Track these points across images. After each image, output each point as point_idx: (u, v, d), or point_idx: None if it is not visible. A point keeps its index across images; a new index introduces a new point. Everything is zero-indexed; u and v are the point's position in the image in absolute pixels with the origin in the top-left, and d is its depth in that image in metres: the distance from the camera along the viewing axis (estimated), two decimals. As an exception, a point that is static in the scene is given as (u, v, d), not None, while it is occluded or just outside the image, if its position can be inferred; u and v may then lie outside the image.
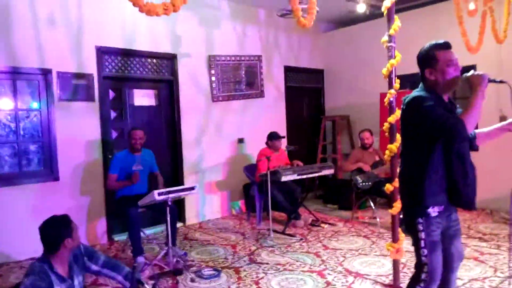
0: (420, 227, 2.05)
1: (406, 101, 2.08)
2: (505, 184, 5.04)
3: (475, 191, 2.05)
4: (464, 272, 3.34)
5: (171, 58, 5.34)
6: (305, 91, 7.36)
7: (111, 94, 4.98)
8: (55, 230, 2.18)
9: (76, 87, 4.53)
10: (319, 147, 7.10)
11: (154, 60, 5.24)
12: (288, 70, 6.87)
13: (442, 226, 2.10)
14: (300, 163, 5.27)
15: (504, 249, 3.90)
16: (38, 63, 4.28)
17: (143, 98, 5.28)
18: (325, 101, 7.57)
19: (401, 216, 3.96)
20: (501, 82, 2.00)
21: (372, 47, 5.68)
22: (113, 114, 4.98)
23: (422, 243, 2.06)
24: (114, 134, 4.99)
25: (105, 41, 4.74)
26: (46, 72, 4.32)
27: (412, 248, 2.16)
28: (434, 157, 2.00)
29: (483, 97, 1.91)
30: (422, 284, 2.08)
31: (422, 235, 2.05)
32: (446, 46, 2.04)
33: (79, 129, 4.54)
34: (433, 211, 2.03)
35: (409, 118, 2.10)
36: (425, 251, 2.06)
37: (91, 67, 4.65)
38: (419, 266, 2.11)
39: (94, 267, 2.41)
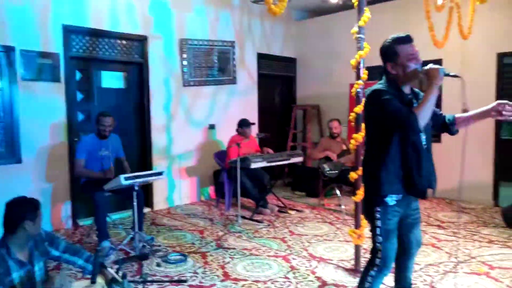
0: (377, 215, 2.15)
1: (367, 93, 2.15)
2: (464, 175, 5.32)
3: (429, 181, 2.15)
4: (422, 258, 3.50)
5: (142, 40, 5.22)
6: (277, 79, 7.39)
7: (78, 75, 4.83)
8: (20, 208, 2.14)
9: (41, 66, 4.36)
10: (289, 135, 7.18)
11: (124, 42, 5.11)
12: (261, 57, 6.86)
13: (400, 215, 2.20)
14: (271, 151, 5.32)
15: (460, 236, 4.11)
16: (0, 40, 4.09)
17: (111, 80, 5.16)
18: (296, 90, 7.63)
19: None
20: (455, 76, 2.07)
21: (343, 38, 5.75)
22: (79, 96, 4.85)
23: (378, 231, 2.16)
24: (81, 117, 4.86)
25: (73, 19, 4.57)
26: (8, 50, 4.13)
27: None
28: (392, 148, 2.08)
29: (436, 91, 1.98)
30: (375, 269, 2.19)
31: (379, 223, 2.15)
32: (407, 40, 2.08)
33: (43, 110, 4.39)
34: (391, 200, 2.12)
35: (368, 110, 2.19)
36: (380, 238, 2.16)
37: (57, 46, 4.48)
38: (374, 251, 2.22)
39: (55, 253, 2.37)
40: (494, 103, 2.10)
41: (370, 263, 2.24)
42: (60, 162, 4.55)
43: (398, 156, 2.09)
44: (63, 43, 4.51)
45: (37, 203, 2.24)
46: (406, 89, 2.17)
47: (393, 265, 2.40)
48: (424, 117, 1.95)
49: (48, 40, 4.41)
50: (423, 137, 2.13)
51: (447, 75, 2.01)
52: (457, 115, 2.26)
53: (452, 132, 2.29)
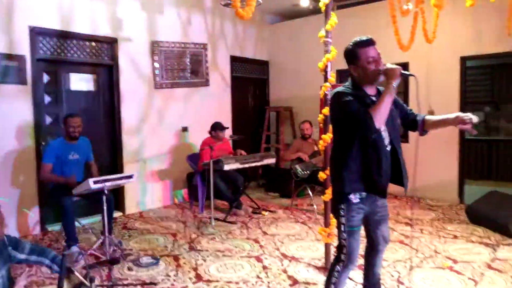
0: (342, 213, 2.22)
1: (331, 95, 2.23)
2: (432, 174, 5.51)
3: (389, 180, 2.23)
4: (390, 254, 3.61)
5: (111, 42, 5.15)
6: (250, 81, 7.44)
7: (46, 77, 4.72)
8: None
9: (6, 68, 4.24)
10: (263, 137, 7.23)
11: (93, 43, 5.03)
12: (234, 60, 6.89)
13: (364, 212, 2.27)
14: (244, 153, 5.35)
15: (426, 233, 4.25)
16: (-38, 41, 3.96)
17: (80, 82, 5.06)
18: (270, 92, 7.71)
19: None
20: (410, 75, 2.14)
21: (314, 42, 5.79)
22: (47, 99, 4.73)
23: (342, 227, 2.23)
24: (48, 120, 4.75)
25: (40, 21, 4.47)
26: (-30, 51, 4.01)
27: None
28: (353, 147, 2.15)
29: (393, 91, 2.03)
30: (341, 264, 2.27)
31: (343, 219, 2.22)
32: (368, 43, 2.15)
33: (9, 114, 4.26)
34: (354, 198, 2.19)
35: (332, 111, 2.27)
36: (345, 235, 2.23)
37: (23, 48, 4.37)
38: (339, 248, 2.29)
39: (21, 256, 2.30)
40: (454, 115, 2.13)
41: (336, 259, 2.31)
42: (27, 167, 4.43)
43: (359, 156, 2.16)
44: (30, 45, 4.40)
45: None
46: (371, 90, 2.23)
47: (360, 261, 2.47)
48: (379, 117, 2.01)
49: (14, 42, 4.30)
50: (386, 136, 2.21)
51: (403, 74, 2.07)
52: (427, 117, 2.32)
53: (421, 133, 2.35)
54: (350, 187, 2.18)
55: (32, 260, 2.31)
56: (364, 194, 2.21)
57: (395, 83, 2.04)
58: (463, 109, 5.50)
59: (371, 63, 2.12)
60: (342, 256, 2.26)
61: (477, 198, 4.68)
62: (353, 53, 2.16)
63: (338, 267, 2.28)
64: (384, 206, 2.39)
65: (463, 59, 5.43)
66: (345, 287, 2.56)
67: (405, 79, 5.86)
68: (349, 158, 2.16)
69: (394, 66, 2.06)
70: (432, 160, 5.41)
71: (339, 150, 2.24)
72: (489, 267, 3.31)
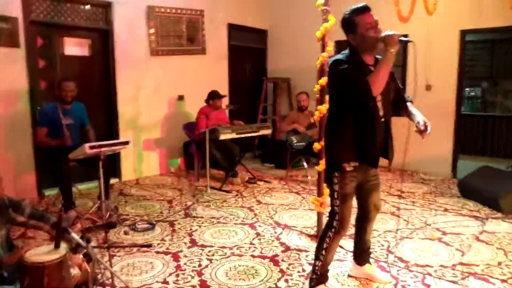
0: (335, 180, 2.26)
1: (328, 63, 2.21)
2: (426, 148, 5.54)
3: (384, 151, 2.26)
4: (381, 225, 3.69)
5: (106, 6, 5.03)
6: (248, 51, 7.33)
7: (39, 41, 4.64)
8: None
9: (-2, 31, 4.16)
10: (260, 108, 7.21)
11: (88, 7, 4.91)
12: (232, 28, 6.77)
13: (357, 180, 2.31)
14: (241, 123, 5.35)
15: (418, 205, 4.33)
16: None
17: (75, 47, 4.98)
18: (268, 63, 7.61)
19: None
20: (409, 41, 2.10)
21: (314, 11, 5.74)
22: (41, 63, 4.67)
23: (336, 194, 2.28)
24: (43, 85, 4.70)
25: (32, -19, 4.35)
26: (-39, 12, 3.92)
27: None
28: (348, 117, 2.17)
29: (392, 58, 2.00)
30: (333, 230, 2.32)
31: (336, 187, 2.26)
32: (364, 9, 2.12)
33: (1, 77, 4.21)
34: (348, 166, 2.22)
35: (329, 79, 2.26)
36: (338, 202, 2.28)
37: (15, 10, 4.26)
38: (332, 214, 2.34)
39: (20, 218, 2.34)
40: (418, 120, 2.22)
41: (328, 225, 2.36)
42: (23, 132, 4.42)
43: (354, 125, 2.17)
44: (22, 6, 4.29)
45: None
46: (369, 60, 2.22)
47: (351, 228, 2.54)
48: (377, 84, 1.99)
49: (6, 2, 4.19)
50: (380, 108, 2.21)
51: (402, 41, 2.04)
52: (408, 105, 2.38)
53: (398, 113, 2.41)
54: (345, 156, 2.20)
55: (30, 224, 2.35)
56: (357, 163, 2.23)
57: (393, 50, 2.01)
58: (461, 83, 5.49)
59: (369, 30, 2.10)
60: (334, 223, 2.31)
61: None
62: (350, 21, 2.14)
63: (329, 234, 2.34)
64: (376, 174, 2.43)
65: (463, 33, 5.37)
66: (335, 254, 2.63)
67: (403, 50, 5.80)
68: (344, 127, 2.19)
69: (393, 32, 2.02)
70: (427, 135, 5.42)
71: (334, 119, 2.26)
72: (477, 239, 3.40)
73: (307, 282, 2.52)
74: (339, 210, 2.29)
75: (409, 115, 2.34)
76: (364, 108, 2.12)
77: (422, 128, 2.16)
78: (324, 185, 3.16)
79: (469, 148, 7.13)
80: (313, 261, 2.49)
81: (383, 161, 2.34)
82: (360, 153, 2.20)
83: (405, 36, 5.55)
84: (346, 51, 2.23)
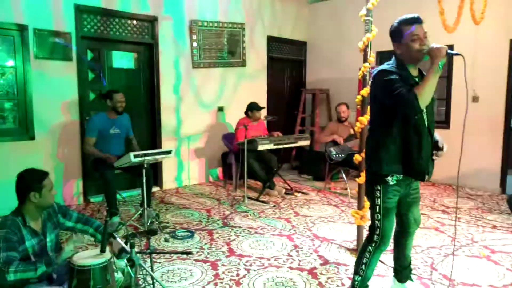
0: (378, 194, 2.21)
1: (373, 73, 2.19)
2: (473, 162, 5.31)
3: (428, 164, 2.19)
4: (424, 241, 3.56)
5: (152, 21, 5.25)
6: (287, 62, 7.37)
7: (90, 54, 4.90)
8: (25, 180, 2.19)
9: (54, 45, 4.44)
10: (298, 119, 7.19)
11: (135, 22, 5.14)
12: (271, 40, 6.84)
13: (400, 194, 2.25)
14: (279, 134, 5.36)
15: (464, 221, 4.14)
16: (14, 18, 4.16)
17: (122, 60, 5.22)
18: (306, 74, 7.62)
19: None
20: (456, 54, 2.07)
21: (354, 22, 5.68)
22: (91, 75, 4.92)
23: (377, 209, 2.23)
24: (92, 96, 4.95)
25: (84, -1, 4.63)
26: (22, 28, 4.21)
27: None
28: (394, 128, 2.13)
29: (439, 70, 1.98)
30: (373, 245, 2.27)
31: (378, 201, 2.21)
32: (413, 21, 2.10)
33: (56, 89, 4.48)
34: (391, 179, 2.17)
35: (373, 89, 2.22)
36: (379, 216, 2.23)
37: (69, 26, 4.55)
38: (373, 228, 2.29)
39: (69, 224, 2.47)
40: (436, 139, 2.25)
41: (369, 240, 2.31)
42: (72, 140, 4.66)
43: (400, 137, 2.13)
44: (75, 22, 4.57)
45: (42, 174, 2.24)
46: (414, 71, 2.19)
47: (391, 243, 2.47)
48: (424, 96, 1.96)
49: (61, 19, 4.48)
50: (425, 119, 2.16)
51: (449, 54, 2.01)
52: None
53: None
54: (388, 169, 2.16)
55: (78, 228, 2.47)
56: (400, 176, 2.19)
57: (440, 63, 1.98)
58: (510, 95, 5.23)
59: (415, 41, 2.07)
60: (375, 237, 2.26)
61: (521, 188, 4.49)
62: (397, 30, 2.13)
63: (370, 248, 2.29)
64: (417, 188, 2.38)
65: (514, 42, 5.13)
66: (375, 270, 2.57)
67: (449, 61, 5.62)
68: (388, 138, 2.14)
69: (440, 45, 2.00)
70: (474, 148, 5.20)
71: (378, 130, 2.22)
72: (530, 259, 3.20)
73: None
74: (381, 225, 2.24)
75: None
76: (410, 119, 2.08)
77: (440, 146, 2.22)
78: (365, 198, 3.10)
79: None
80: (352, 276, 2.44)
81: (436, 176, 2.30)
82: (406, 166, 2.15)
83: (451, 47, 5.43)
84: (391, 61, 2.21)
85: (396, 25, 2.15)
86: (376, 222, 2.25)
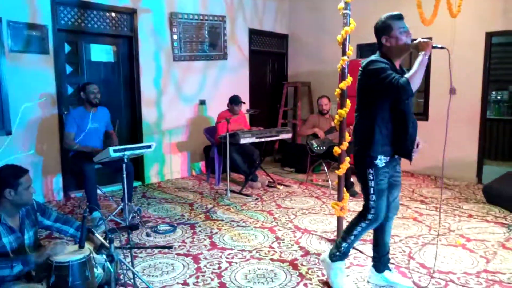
0: (371, 177, 2.39)
1: (363, 64, 2.36)
2: (450, 153, 5.41)
3: (413, 144, 2.38)
4: (402, 231, 3.64)
5: (131, 13, 5.17)
6: (269, 55, 7.37)
7: (67, 47, 4.80)
8: (0, 177, 2.15)
9: (29, 38, 4.33)
10: (280, 112, 7.22)
11: (113, 14, 5.05)
12: (253, 33, 6.83)
13: (389, 175, 2.44)
14: (261, 129, 5.37)
15: (442, 211, 4.24)
16: (-14, 10, 4.04)
17: (100, 53, 5.13)
18: (288, 67, 7.63)
19: (348, 179, 4.30)
20: (442, 48, 2.28)
21: (334, 15, 5.70)
22: (69, 69, 4.83)
23: (371, 190, 2.40)
24: (70, 90, 4.86)
25: (60, -9, 4.52)
26: (-5, 21, 4.10)
27: (354, 208, 2.42)
28: (385, 113, 2.32)
29: (426, 60, 2.20)
30: (367, 222, 2.45)
31: (372, 183, 2.39)
32: (399, 16, 2.34)
33: (32, 83, 4.38)
34: (380, 162, 2.35)
35: (365, 78, 2.35)
36: (374, 197, 2.40)
37: (45, 18, 4.44)
38: (367, 208, 2.45)
39: (47, 222, 2.43)
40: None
41: (362, 216, 2.47)
42: (51, 135, 4.58)
43: (390, 121, 2.33)
44: (51, 14, 4.46)
45: (20, 171, 2.19)
46: (396, 65, 2.39)
47: (371, 232, 2.54)
48: (415, 82, 2.14)
49: (36, 11, 4.36)
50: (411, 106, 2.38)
51: (436, 47, 2.24)
52: None
53: None
54: (379, 150, 2.33)
55: (56, 227, 2.44)
56: (388, 158, 2.37)
57: (426, 54, 2.19)
58: (486, 87, 5.36)
59: (403, 34, 2.29)
60: (370, 216, 2.42)
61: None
62: (386, 24, 2.33)
63: (363, 224, 2.45)
64: (399, 172, 2.58)
65: (489, 35, 5.24)
66: (355, 260, 2.61)
67: (429, 56, 5.70)
68: (381, 123, 2.32)
69: (426, 40, 2.22)
70: (452, 139, 5.26)
71: (369, 117, 2.36)
72: (503, 246, 3.31)
73: (325, 255, 2.67)
74: (376, 205, 2.40)
75: None
76: (400, 104, 2.27)
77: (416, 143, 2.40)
78: (344, 189, 3.14)
79: (495, 153, 6.94)
80: (337, 241, 2.60)
81: (414, 166, 2.43)
82: (396, 148, 2.35)
83: (429, 39, 5.51)
84: (377, 54, 2.39)
85: (384, 20, 2.35)
86: (371, 202, 2.41)
